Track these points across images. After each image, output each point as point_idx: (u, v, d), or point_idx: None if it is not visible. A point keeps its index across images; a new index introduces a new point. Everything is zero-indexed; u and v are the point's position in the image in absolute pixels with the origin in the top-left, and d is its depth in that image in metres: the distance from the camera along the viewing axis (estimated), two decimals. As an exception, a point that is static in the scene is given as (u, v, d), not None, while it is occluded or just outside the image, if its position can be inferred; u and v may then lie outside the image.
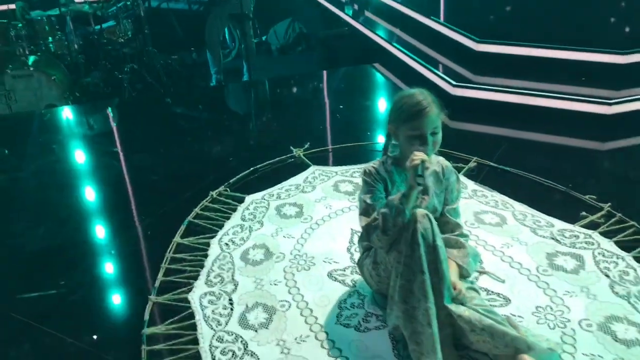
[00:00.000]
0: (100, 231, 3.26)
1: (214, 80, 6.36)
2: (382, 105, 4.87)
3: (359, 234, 2.41)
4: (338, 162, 3.77)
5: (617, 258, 2.69)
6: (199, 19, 6.57)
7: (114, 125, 4.96)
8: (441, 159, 2.40)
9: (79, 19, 6.74)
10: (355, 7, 6.99)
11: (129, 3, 6.75)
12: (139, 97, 5.98)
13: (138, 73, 6.39)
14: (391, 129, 2.26)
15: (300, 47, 8.17)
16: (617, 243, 2.79)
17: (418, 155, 2.06)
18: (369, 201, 2.25)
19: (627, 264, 2.65)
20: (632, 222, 2.91)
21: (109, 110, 5.29)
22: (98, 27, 6.70)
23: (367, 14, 6.80)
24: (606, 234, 2.86)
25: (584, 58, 4.24)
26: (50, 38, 6.34)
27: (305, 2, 8.49)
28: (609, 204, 3.04)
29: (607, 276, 2.58)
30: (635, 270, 2.61)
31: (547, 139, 3.96)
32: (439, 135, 2.17)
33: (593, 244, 2.80)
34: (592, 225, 2.94)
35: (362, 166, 2.36)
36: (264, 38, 8.23)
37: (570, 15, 5.12)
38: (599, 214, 2.99)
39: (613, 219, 2.95)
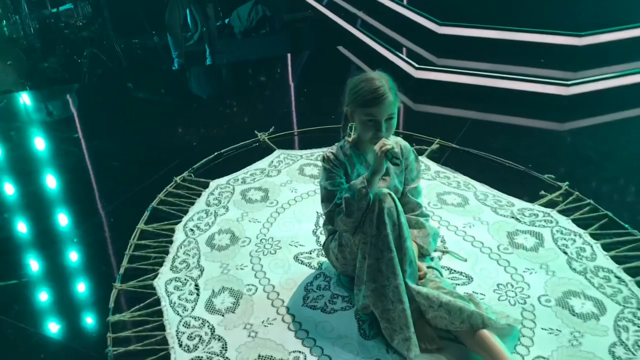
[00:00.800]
0: (62, 219, 3.20)
1: (175, 64, 6.26)
2: (343, 87, 4.86)
3: (324, 218, 2.41)
4: (303, 145, 3.78)
5: (575, 235, 2.77)
6: (159, 1, 6.43)
7: (73, 111, 4.85)
8: (399, 139, 2.42)
9: (35, 2, 6.55)
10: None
11: (86, -16, 6.58)
12: (99, 82, 5.85)
13: (98, 57, 6.24)
14: (347, 110, 2.25)
15: (264, 30, 8.08)
16: (574, 221, 2.88)
17: (385, 144, 2.09)
18: (329, 187, 2.25)
19: (584, 240, 2.74)
20: (588, 200, 2.99)
21: (68, 95, 5.17)
22: (55, 9, 6.53)
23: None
24: (564, 212, 2.95)
25: (542, 40, 4.31)
26: (4, 21, 6.13)
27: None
28: (567, 182, 3.13)
29: (565, 253, 2.66)
30: (591, 246, 2.69)
31: (508, 120, 4.02)
32: (394, 121, 2.18)
33: (552, 222, 2.88)
34: (551, 204, 3.02)
35: (324, 150, 2.38)
36: (226, 21, 8.11)
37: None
38: (557, 193, 3.07)
39: (570, 197, 3.04)
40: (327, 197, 2.26)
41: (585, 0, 5.01)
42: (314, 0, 6.80)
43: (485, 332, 2.01)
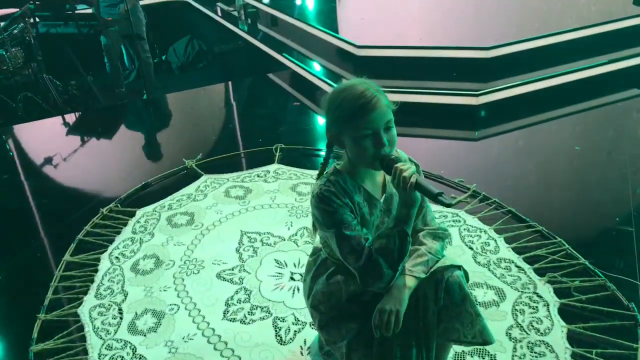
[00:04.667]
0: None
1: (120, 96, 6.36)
2: (274, 112, 5.05)
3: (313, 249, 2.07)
4: (230, 169, 3.88)
5: (480, 232, 2.96)
6: (90, 42, 6.53)
7: (6, 153, 4.86)
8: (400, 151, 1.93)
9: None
10: (249, 21, 7.16)
11: (16, 31, 6.62)
12: (34, 125, 5.86)
13: (32, 100, 6.26)
14: (331, 135, 1.78)
15: (201, 64, 8.24)
16: (480, 219, 3.07)
17: (404, 169, 1.65)
18: (347, 233, 1.72)
19: (488, 235, 2.92)
20: (494, 199, 3.20)
21: (3, 137, 5.18)
22: (-15, 56, 6.54)
23: (261, 27, 6.98)
24: (472, 212, 3.14)
25: (453, 55, 4.58)
26: None
27: (202, 20, 8.58)
28: (475, 184, 3.33)
29: (471, 248, 2.84)
30: (495, 240, 2.88)
31: (423, 132, 4.24)
32: (394, 130, 1.72)
33: (459, 221, 3.06)
34: (460, 205, 3.20)
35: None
36: (163, 57, 8.25)
37: (438, 17, 5.52)
38: (465, 195, 3.27)
39: (477, 198, 3.23)
40: (352, 249, 1.72)
41: (492, 17, 5.34)
42: (245, 32, 7.00)
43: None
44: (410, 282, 1.74)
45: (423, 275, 1.76)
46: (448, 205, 1.58)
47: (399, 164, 1.65)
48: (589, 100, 4.48)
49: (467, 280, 1.82)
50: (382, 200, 1.85)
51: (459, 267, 1.80)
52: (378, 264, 1.68)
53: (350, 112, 1.67)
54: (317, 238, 2.01)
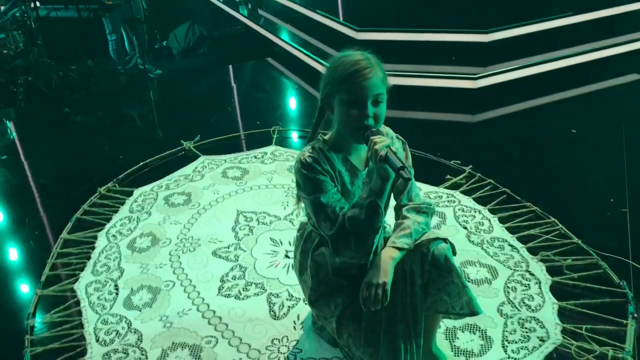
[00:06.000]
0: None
1: (122, 80, 6.37)
2: (273, 95, 5.06)
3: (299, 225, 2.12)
4: (227, 151, 3.89)
5: (474, 212, 2.97)
6: (90, 26, 6.52)
7: (7, 135, 4.88)
8: (387, 129, 1.94)
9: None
10: (249, 6, 7.15)
11: (17, 14, 6.62)
12: (35, 108, 5.87)
13: (33, 85, 6.27)
14: (324, 96, 1.79)
15: (202, 49, 8.23)
16: (475, 199, 3.08)
17: (380, 141, 1.65)
18: (324, 201, 1.75)
19: (482, 215, 2.94)
20: (489, 180, 3.21)
21: (3, 121, 5.20)
22: (-15, 40, 6.54)
23: (261, 12, 6.97)
24: (467, 193, 3.15)
25: (453, 39, 4.57)
26: None
27: (203, 5, 8.56)
28: (470, 166, 3.34)
29: (465, 228, 2.85)
30: (489, 220, 2.90)
31: (423, 115, 4.25)
32: (383, 107, 1.73)
33: (454, 201, 3.07)
34: (455, 186, 3.22)
35: (293, 153, 1.74)
36: (164, 43, 8.23)
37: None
38: (461, 176, 3.28)
39: (473, 179, 3.24)
40: (326, 215, 1.74)
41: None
42: (245, 17, 6.99)
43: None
44: (394, 253, 1.76)
45: (407, 247, 1.77)
46: (407, 180, 1.62)
47: (375, 137, 1.66)
48: (588, 84, 4.47)
49: (454, 253, 1.84)
50: (364, 172, 1.87)
51: (445, 240, 1.81)
52: (348, 232, 1.71)
53: (343, 75, 1.70)
54: (302, 213, 2.03)
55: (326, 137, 1.85)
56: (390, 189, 1.77)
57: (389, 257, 1.75)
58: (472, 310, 1.84)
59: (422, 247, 1.80)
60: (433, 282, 1.81)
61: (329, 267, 1.97)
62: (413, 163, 1.98)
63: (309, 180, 1.77)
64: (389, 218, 1.90)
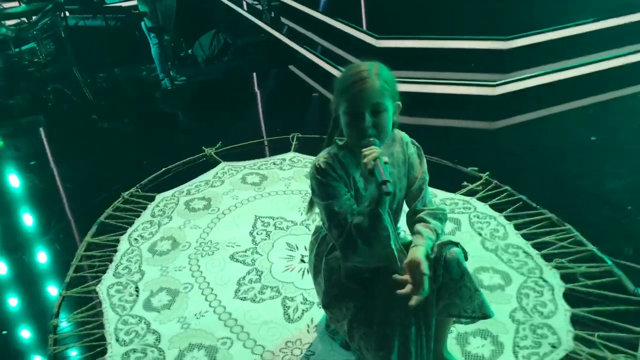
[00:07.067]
0: (12, 238, 3.35)
1: (163, 84, 6.48)
2: (293, 103, 5.13)
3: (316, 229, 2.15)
4: (248, 157, 3.95)
5: (490, 218, 2.99)
6: (118, 35, 6.68)
7: (36, 142, 5.03)
8: (396, 131, 1.94)
9: (-1, 44, 6.78)
10: (272, 14, 7.23)
11: (48, 24, 6.82)
12: (64, 116, 6.03)
13: (62, 92, 6.45)
14: (333, 107, 1.83)
15: (226, 57, 8.35)
16: (492, 206, 3.09)
17: (369, 153, 1.68)
18: (336, 209, 1.79)
19: (498, 222, 2.95)
20: (505, 187, 3.22)
21: (33, 129, 5.36)
22: (18, 49, 6.75)
23: (284, 20, 7.05)
24: (483, 199, 3.16)
25: (471, 46, 4.58)
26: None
27: (227, 14, 8.70)
28: (487, 172, 3.35)
29: (480, 234, 2.87)
30: (504, 227, 2.91)
31: (440, 122, 4.27)
32: (385, 117, 1.74)
33: (470, 208, 3.09)
34: (472, 193, 3.23)
35: (311, 160, 1.76)
36: (190, 51, 8.38)
37: (456, 8, 5.51)
38: (477, 183, 3.29)
39: (490, 186, 3.26)
40: (337, 222, 1.79)
41: (510, 7, 5.32)
42: (267, 25, 7.09)
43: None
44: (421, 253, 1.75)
45: (429, 252, 1.79)
46: (387, 194, 1.65)
47: (365, 149, 1.69)
48: (608, 92, 4.44)
49: (465, 257, 1.86)
50: None
51: (457, 244, 1.84)
52: (354, 239, 1.75)
53: (342, 86, 1.75)
54: (318, 217, 2.07)
55: (341, 143, 1.89)
56: (414, 197, 1.87)
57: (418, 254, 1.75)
58: (484, 313, 1.87)
59: (435, 252, 1.83)
60: (445, 286, 1.84)
61: (341, 271, 2.01)
62: (430, 169, 2.00)
63: (322, 186, 1.82)
64: (402, 223, 1.94)
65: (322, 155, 1.87)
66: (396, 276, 1.72)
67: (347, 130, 1.79)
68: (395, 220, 2.01)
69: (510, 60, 4.48)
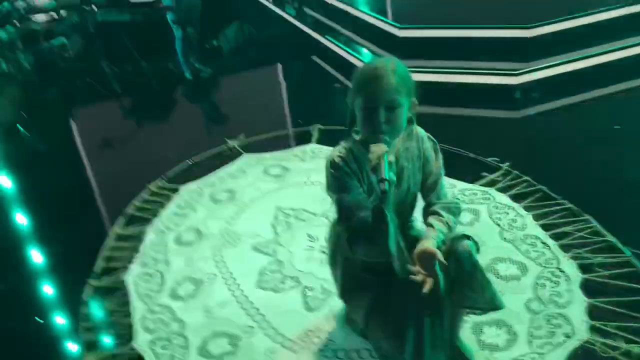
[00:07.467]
0: (44, 228, 3.49)
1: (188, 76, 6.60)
2: (316, 94, 5.18)
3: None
4: (271, 148, 4.02)
5: (509, 209, 3.00)
6: (143, 29, 6.81)
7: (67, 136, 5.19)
8: (413, 126, 1.96)
9: (29, 38, 6.97)
10: (296, 5, 7.28)
11: (77, 19, 6.99)
12: (93, 108, 6.19)
13: (92, 86, 6.62)
14: (350, 102, 1.87)
15: (251, 48, 8.43)
16: (511, 197, 3.10)
17: (373, 150, 1.73)
18: (345, 201, 1.85)
19: (516, 213, 2.97)
20: (525, 177, 3.22)
21: (62, 122, 5.53)
22: (48, 44, 6.94)
23: (307, 10, 7.08)
24: (503, 190, 3.17)
25: (494, 35, 4.56)
26: (1, 59, 6.55)
27: (252, 5, 8.75)
28: (508, 163, 3.36)
29: (498, 225, 2.89)
30: (523, 217, 2.92)
31: (462, 112, 4.28)
32: (399, 114, 1.77)
33: (489, 199, 3.11)
34: (492, 183, 3.24)
35: (324, 151, 1.77)
36: (214, 42, 8.47)
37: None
38: (497, 173, 3.31)
39: (509, 176, 3.26)
40: (346, 216, 1.84)
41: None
42: (291, 16, 7.13)
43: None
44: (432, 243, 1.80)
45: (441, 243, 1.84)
46: (382, 192, 1.68)
47: (373, 145, 1.74)
48: (633, 79, 4.38)
49: (478, 250, 1.90)
50: None
51: (468, 237, 1.88)
52: (359, 233, 1.81)
53: (359, 82, 1.79)
54: None
55: (357, 138, 1.92)
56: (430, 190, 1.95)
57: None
58: (495, 305, 1.91)
59: (447, 245, 1.87)
60: (457, 278, 1.88)
61: (357, 262, 2.06)
62: (450, 160, 2.05)
63: (335, 179, 1.88)
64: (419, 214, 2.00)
65: (338, 149, 1.92)
66: (409, 267, 1.77)
67: (362, 125, 1.82)
68: (410, 213, 2.06)
69: (534, 48, 4.44)
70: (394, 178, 1.75)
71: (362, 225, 1.79)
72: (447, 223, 1.91)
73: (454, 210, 1.97)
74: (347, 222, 1.85)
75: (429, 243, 1.78)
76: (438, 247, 1.80)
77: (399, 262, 1.84)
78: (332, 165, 1.88)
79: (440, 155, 2.02)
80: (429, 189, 1.99)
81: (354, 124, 1.92)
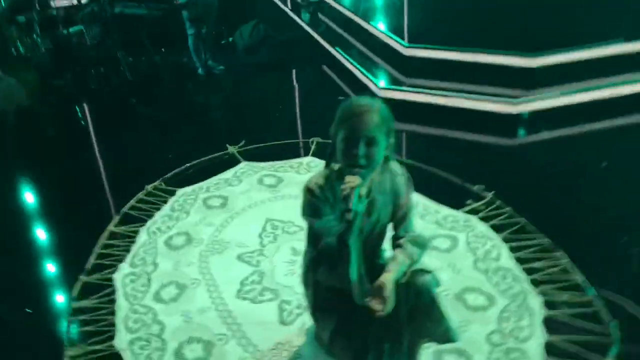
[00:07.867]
0: (41, 224, 3.65)
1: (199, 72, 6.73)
2: (321, 105, 5.26)
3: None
4: (269, 158, 4.13)
5: (487, 239, 3.10)
6: (159, 23, 6.95)
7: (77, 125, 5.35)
8: (390, 162, 2.07)
9: (48, 23, 7.14)
10: (311, 10, 7.37)
11: (96, 9, 7.13)
12: (105, 98, 6.34)
13: (106, 75, 6.78)
14: (333, 133, 1.97)
15: (265, 48, 8.54)
16: (492, 227, 3.20)
17: (349, 182, 1.84)
18: (316, 226, 2.02)
19: (494, 243, 3.06)
20: (508, 208, 3.31)
21: (72, 111, 5.69)
22: (66, 31, 7.11)
23: (322, 17, 7.18)
24: (485, 219, 3.27)
25: (497, 61, 4.63)
26: (18, 42, 6.72)
27: (271, 7, 8.87)
28: (493, 192, 3.44)
29: (475, 254, 2.99)
30: (499, 248, 3.02)
31: (458, 135, 4.37)
32: (376, 149, 1.88)
33: (470, 227, 3.21)
34: (476, 212, 3.34)
35: (320, 164, 1.91)
36: (230, 39, 8.60)
37: (488, 20, 5.52)
38: (481, 202, 3.40)
39: (493, 205, 3.36)
40: (314, 240, 2.04)
41: (540, 21, 5.30)
42: (305, 22, 7.23)
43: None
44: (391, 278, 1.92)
45: (401, 277, 1.96)
46: (346, 222, 1.81)
47: (348, 176, 1.85)
48: (627, 115, 4.45)
49: (437, 284, 2.01)
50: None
51: (429, 272, 1.99)
52: (323, 258, 1.98)
53: (343, 115, 1.91)
54: None
55: (336, 168, 2.02)
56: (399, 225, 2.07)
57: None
58: (449, 338, 2.02)
59: (407, 277, 1.99)
60: (417, 310, 2.00)
61: (326, 284, 2.19)
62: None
63: (309, 204, 2.00)
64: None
65: (316, 176, 2.04)
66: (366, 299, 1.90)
67: (341, 155, 1.92)
68: (379, 242, 2.18)
69: (536, 77, 4.51)
70: (362, 210, 1.88)
71: (327, 251, 1.95)
72: (411, 256, 2.03)
73: (421, 243, 2.08)
74: (312, 246, 2.02)
75: (387, 277, 1.91)
76: (398, 279, 1.93)
77: (358, 289, 1.96)
78: (308, 191, 2.00)
79: (411, 192, 2.13)
80: (399, 221, 2.11)
81: (334, 154, 2.02)
